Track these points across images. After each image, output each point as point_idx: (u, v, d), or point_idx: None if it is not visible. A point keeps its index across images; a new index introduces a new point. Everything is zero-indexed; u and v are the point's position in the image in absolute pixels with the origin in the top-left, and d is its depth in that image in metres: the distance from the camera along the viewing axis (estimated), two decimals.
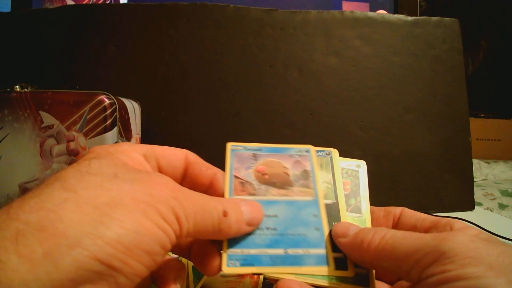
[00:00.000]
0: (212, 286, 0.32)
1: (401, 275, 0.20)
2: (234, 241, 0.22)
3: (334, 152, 0.29)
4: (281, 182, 0.26)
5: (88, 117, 0.41)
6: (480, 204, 0.78)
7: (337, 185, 0.27)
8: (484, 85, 1.89)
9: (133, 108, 0.49)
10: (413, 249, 0.19)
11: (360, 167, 0.28)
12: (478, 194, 0.82)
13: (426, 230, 0.23)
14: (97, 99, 0.41)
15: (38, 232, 0.14)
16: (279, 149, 0.28)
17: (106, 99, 0.41)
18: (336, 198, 0.26)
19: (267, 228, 0.23)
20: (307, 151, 0.28)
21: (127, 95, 0.48)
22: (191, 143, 0.59)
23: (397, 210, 0.25)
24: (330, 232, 0.24)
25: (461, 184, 0.63)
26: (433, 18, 0.65)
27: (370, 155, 0.61)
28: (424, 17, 0.65)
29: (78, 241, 0.14)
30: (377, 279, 0.24)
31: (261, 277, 0.33)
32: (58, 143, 0.41)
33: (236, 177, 0.25)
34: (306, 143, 0.29)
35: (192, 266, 0.35)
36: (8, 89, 0.42)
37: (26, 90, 0.42)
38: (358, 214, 0.26)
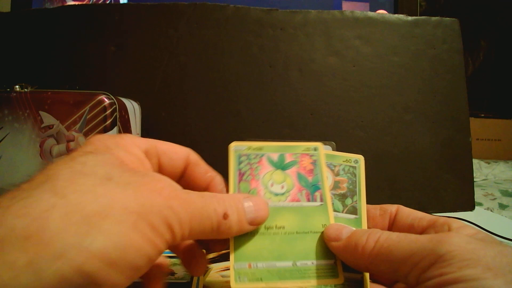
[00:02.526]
0: (212, 286, 0.32)
1: (398, 278, 0.20)
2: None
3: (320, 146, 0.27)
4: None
5: (88, 117, 0.41)
6: (480, 204, 0.78)
7: (324, 184, 0.25)
8: (484, 85, 1.89)
9: (133, 108, 0.49)
10: (410, 253, 0.19)
11: (357, 163, 0.27)
12: (478, 194, 0.82)
13: (424, 230, 0.22)
14: (97, 99, 0.41)
15: (23, 240, 0.14)
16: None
17: (106, 99, 0.41)
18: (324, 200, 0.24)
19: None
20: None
21: (127, 95, 0.48)
22: (191, 143, 0.59)
23: (392, 208, 0.25)
24: (320, 235, 0.23)
25: (461, 184, 0.63)
26: (433, 18, 0.65)
27: (370, 155, 0.61)
28: (424, 17, 0.65)
29: (62, 252, 0.14)
30: (374, 281, 0.23)
31: None
32: (58, 143, 0.41)
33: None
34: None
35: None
36: (8, 89, 0.42)
37: (26, 90, 0.42)
38: (354, 215, 0.25)
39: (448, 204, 0.62)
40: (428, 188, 0.62)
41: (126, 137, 0.21)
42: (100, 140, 0.20)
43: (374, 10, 0.88)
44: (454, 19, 0.65)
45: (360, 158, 0.27)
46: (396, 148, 0.62)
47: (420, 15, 0.66)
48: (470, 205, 0.63)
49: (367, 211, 0.25)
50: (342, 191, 0.25)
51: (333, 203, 0.25)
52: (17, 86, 0.42)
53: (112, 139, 0.20)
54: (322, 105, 0.61)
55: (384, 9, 0.91)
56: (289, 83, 0.61)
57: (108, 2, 0.73)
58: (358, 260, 0.21)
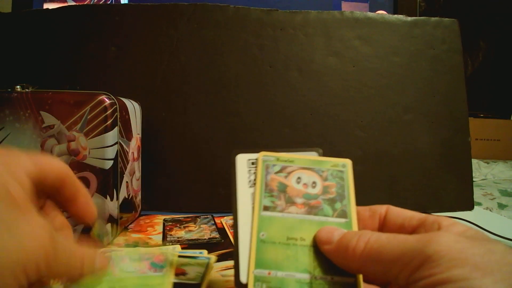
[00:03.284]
0: (212, 286, 0.32)
1: (389, 279, 0.20)
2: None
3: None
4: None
5: (88, 117, 0.41)
6: (479, 204, 0.78)
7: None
8: (483, 85, 1.90)
9: (134, 108, 0.49)
10: (399, 254, 0.19)
11: (345, 167, 0.27)
12: (477, 194, 0.82)
13: (414, 229, 0.22)
14: (98, 99, 0.41)
15: None
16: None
17: (106, 99, 0.41)
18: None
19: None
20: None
21: (127, 95, 0.49)
22: (191, 143, 0.59)
23: (382, 209, 0.25)
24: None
25: (461, 184, 0.63)
26: (433, 19, 0.65)
27: (370, 155, 0.61)
28: (423, 17, 0.65)
29: None
30: (370, 282, 0.23)
31: None
32: (59, 143, 0.41)
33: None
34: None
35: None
36: (9, 89, 0.42)
37: (27, 90, 0.42)
38: (345, 219, 0.25)
39: (447, 204, 0.62)
40: (427, 188, 0.62)
41: (13, 156, 0.20)
42: None
43: (374, 11, 0.89)
44: (453, 19, 0.66)
45: (348, 162, 0.27)
46: (395, 148, 0.62)
47: (419, 16, 0.67)
48: (469, 205, 0.63)
49: (357, 212, 0.25)
50: (331, 196, 0.26)
51: (323, 208, 0.25)
52: (18, 86, 0.42)
53: (5, 160, 0.20)
54: (322, 105, 0.62)
55: (384, 10, 0.91)
56: (289, 83, 0.61)
57: (108, 2, 0.73)
58: (350, 262, 0.21)
